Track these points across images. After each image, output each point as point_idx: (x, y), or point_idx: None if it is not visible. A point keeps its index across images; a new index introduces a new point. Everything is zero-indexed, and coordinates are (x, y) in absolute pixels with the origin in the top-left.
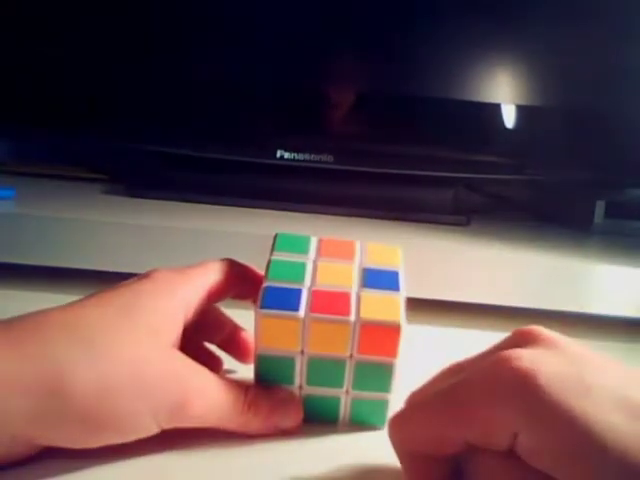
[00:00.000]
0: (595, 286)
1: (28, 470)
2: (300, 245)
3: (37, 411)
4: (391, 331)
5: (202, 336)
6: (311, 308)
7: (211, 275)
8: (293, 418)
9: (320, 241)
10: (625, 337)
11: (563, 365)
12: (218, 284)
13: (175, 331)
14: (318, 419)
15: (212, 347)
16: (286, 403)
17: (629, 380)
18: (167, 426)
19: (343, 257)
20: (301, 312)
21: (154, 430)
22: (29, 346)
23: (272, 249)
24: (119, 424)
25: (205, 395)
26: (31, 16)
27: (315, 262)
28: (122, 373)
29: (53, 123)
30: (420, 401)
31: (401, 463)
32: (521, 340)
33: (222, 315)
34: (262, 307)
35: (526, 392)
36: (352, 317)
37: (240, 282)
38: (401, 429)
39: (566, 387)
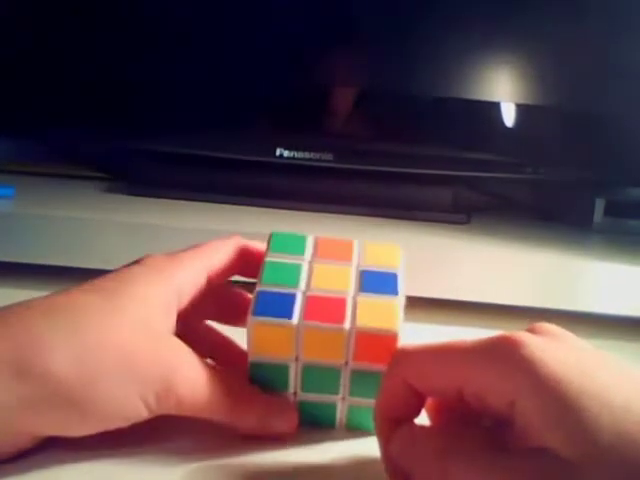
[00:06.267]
0: (595, 284)
1: (25, 463)
2: (296, 245)
3: (21, 396)
4: (387, 339)
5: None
6: (305, 315)
7: (207, 258)
8: (288, 421)
9: (317, 240)
10: (625, 336)
11: (565, 351)
12: (216, 266)
13: (168, 317)
14: (315, 424)
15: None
16: (282, 404)
17: (620, 383)
18: (158, 411)
19: (340, 258)
20: (294, 319)
21: (145, 415)
22: (11, 329)
23: (267, 249)
24: (106, 409)
25: (194, 382)
26: (31, 15)
27: (311, 264)
28: (106, 358)
29: (53, 122)
30: (430, 346)
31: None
32: (530, 332)
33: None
34: (255, 313)
35: (530, 360)
36: (347, 325)
37: (242, 261)
38: (403, 361)
39: (567, 367)
